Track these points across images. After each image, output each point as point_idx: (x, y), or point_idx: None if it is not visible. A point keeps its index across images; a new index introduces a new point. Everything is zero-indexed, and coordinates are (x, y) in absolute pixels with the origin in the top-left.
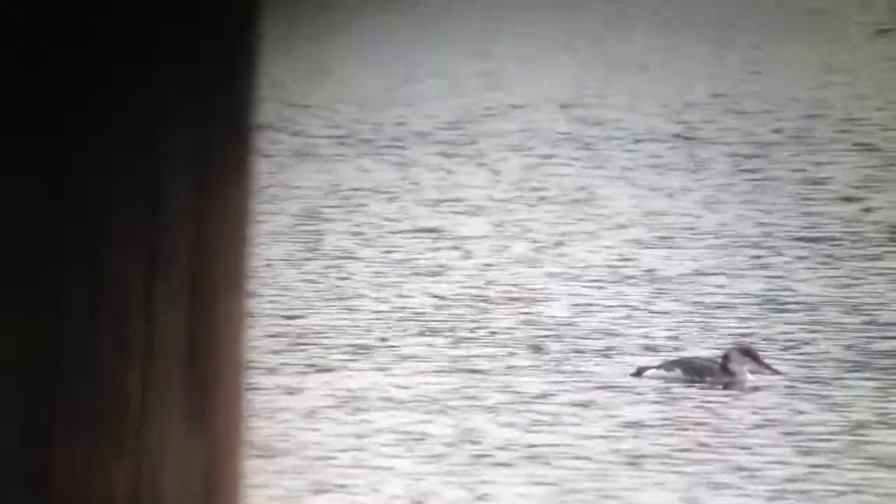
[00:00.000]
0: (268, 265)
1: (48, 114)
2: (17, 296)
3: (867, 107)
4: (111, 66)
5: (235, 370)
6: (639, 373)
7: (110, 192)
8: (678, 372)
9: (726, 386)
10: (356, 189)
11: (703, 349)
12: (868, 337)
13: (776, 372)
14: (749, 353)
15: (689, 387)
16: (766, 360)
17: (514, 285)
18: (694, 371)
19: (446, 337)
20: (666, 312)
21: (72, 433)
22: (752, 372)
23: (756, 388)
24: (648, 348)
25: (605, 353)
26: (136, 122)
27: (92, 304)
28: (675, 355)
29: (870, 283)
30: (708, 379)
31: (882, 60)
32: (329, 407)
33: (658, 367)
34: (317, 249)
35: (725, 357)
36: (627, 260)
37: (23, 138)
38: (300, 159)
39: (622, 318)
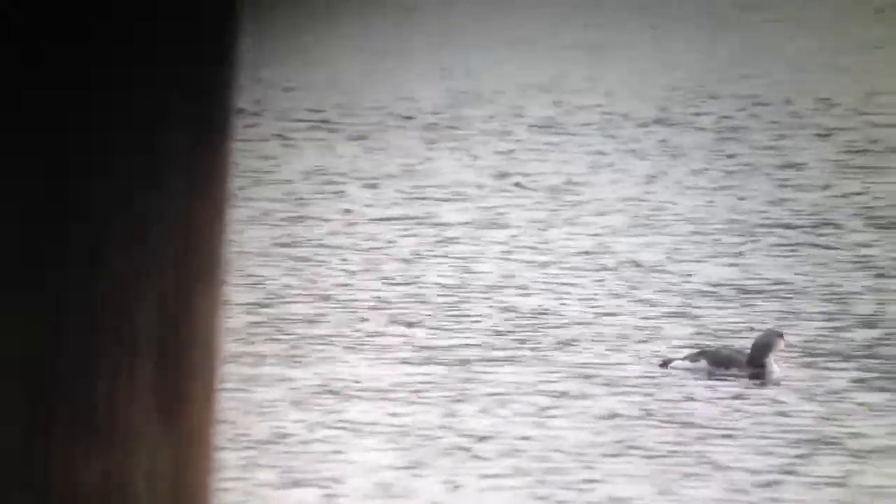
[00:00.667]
0: (245, 252)
1: (48, 114)
2: (17, 296)
3: (846, 93)
4: (111, 66)
5: (211, 360)
6: (665, 364)
7: (110, 192)
8: (703, 363)
9: (753, 377)
10: (336, 174)
11: (686, 340)
12: (842, 326)
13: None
14: (775, 340)
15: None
16: (791, 346)
17: (494, 273)
18: (720, 362)
19: (425, 327)
20: (645, 300)
21: (72, 433)
22: (778, 360)
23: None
24: (626, 337)
25: (583, 342)
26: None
27: (91, 303)
28: (652, 346)
29: (845, 272)
30: (734, 370)
31: (863, 45)
32: (305, 398)
33: (684, 359)
34: (296, 236)
35: (763, 346)
36: (607, 247)
37: (23, 138)
38: (279, 144)
39: (601, 306)
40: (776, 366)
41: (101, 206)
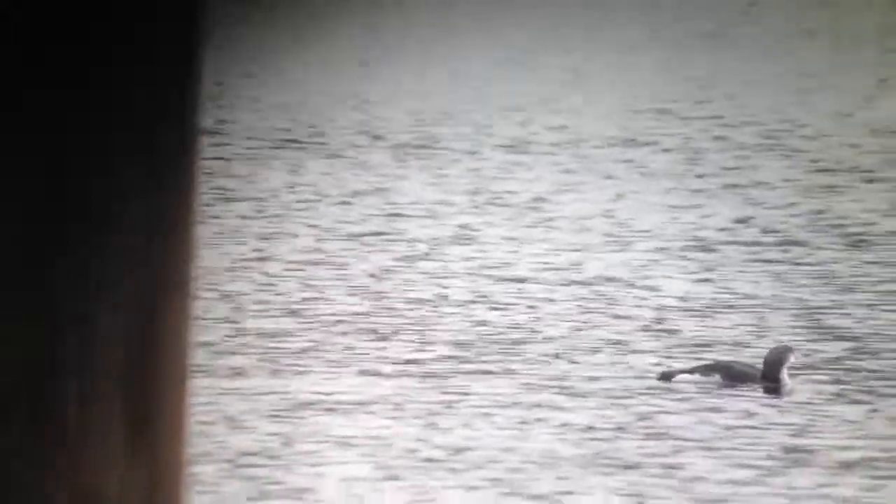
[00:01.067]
0: (214, 269)
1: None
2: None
3: (810, 114)
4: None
5: (180, 375)
6: (666, 377)
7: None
8: (717, 378)
9: (768, 391)
10: (305, 191)
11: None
12: (813, 340)
13: (817, 368)
14: (787, 355)
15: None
16: (804, 357)
17: (464, 289)
18: (734, 377)
19: (397, 341)
20: (617, 316)
21: (41, 450)
22: (793, 372)
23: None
24: (599, 351)
25: (558, 355)
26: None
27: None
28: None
29: (815, 287)
30: (749, 384)
31: (827, 68)
32: (278, 411)
33: (692, 372)
34: (265, 252)
35: (775, 361)
36: (576, 264)
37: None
38: (248, 161)
39: (572, 321)
40: (790, 380)
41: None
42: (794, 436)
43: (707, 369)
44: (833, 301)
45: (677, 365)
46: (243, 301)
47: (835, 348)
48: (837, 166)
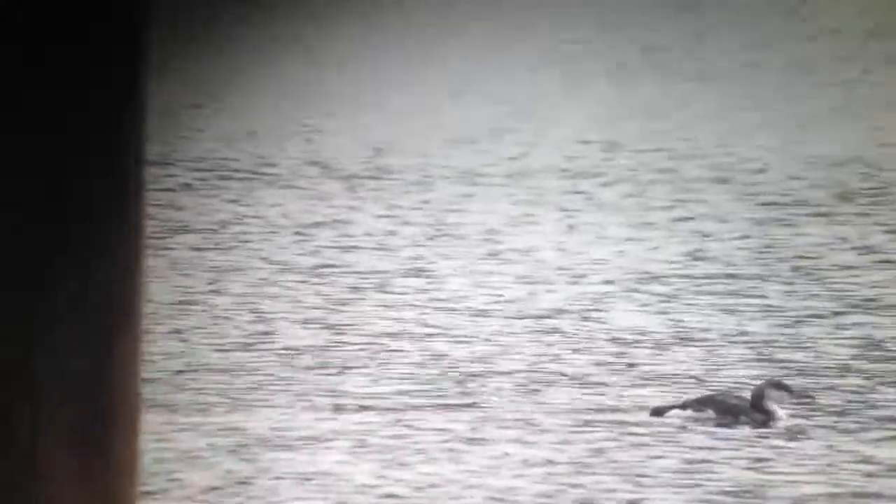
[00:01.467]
0: (164, 302)
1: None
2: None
3: (757, 147)
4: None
5: (130, 409)
6: (658, 412)
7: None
8: (710, 412)
9: (761, 424)
10: (256, 223)
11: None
12: (765, 374)
13: (811, 397)
14: (781, 386)
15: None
16: (798, 389)
17: (418, 322)
18: (727, 411)
19: (352, 374)
20: (571, 349)
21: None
22: (785, 405)
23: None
24: (552, 384)
25: (510, 388)
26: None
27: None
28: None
29: (764, 320)
30: (742, 419)
31: (773, 97)
32: (230, 446)
33: (684, 408)
34: (215, 285)
35: (758, 394)
36: (531, 296)
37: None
38: (193, 192)
39: (526, 354)
40: (781, 412)
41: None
42: (749, 469)
43: (699, 404)
44: (783, 334)
45: (658, 401)
46: (195, 335)
47: (787, 382)
48: (785, 199)
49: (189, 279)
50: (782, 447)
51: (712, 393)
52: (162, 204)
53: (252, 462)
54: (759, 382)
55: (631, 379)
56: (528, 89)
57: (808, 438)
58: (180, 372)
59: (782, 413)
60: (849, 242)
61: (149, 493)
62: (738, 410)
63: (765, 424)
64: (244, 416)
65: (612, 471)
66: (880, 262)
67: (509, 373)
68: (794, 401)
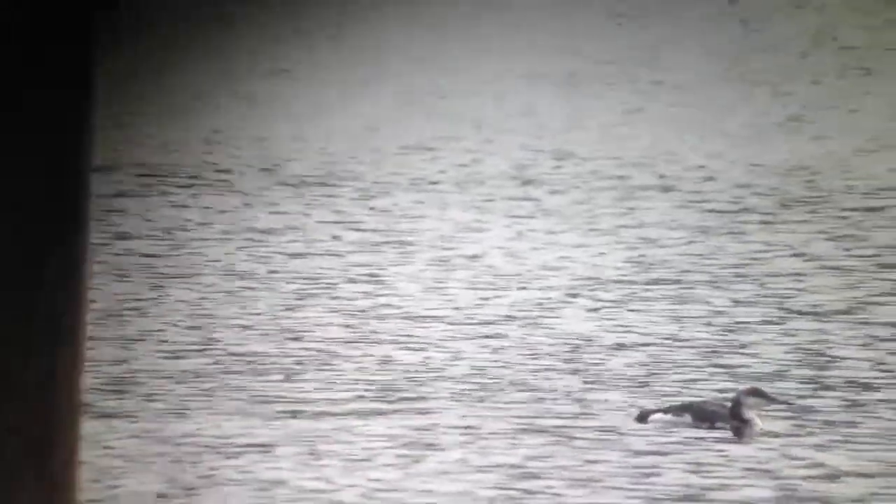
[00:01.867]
0: (105, 308)
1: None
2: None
3: (703, 155)
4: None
5: (72, 416)
6: (643, 417)
7: None
8: (688, 418)
9: (737, 431)
10: (203, 229)
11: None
12: (710, 379)
13: (790, 404)
14: (759, 394)
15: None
16: (776, 396)
17: (368, 329)
18: (705, 417)
19: (300, 381)
20: (521, 354)
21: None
22: (763, 411)
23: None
24: (501, 389)
25: (458, 396)
26: None
27: None
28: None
29: (704, 325)
30: (718, 424)
31: (709, 110)
32: (171, 453)
33: (665, 412)
34: (156, 290)
35: (736, 402)
36: (483, 302)
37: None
38: (139, 199)
39: (476, 359)
40: (758, 419)
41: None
42: (692, 473)
43: (679, 409)
44: (726, 340)
45: (648, 405)
46: (141, 342)
47: (733, 387)
48: (730, 207)
49: (133, 285)
50: (724, 451)
51: (695, 399)
52: (106, 210)
53: (198, 469)
54: (740, 389)
55: (577, 383)
56: (479, 98)
57: (751, 442)
58: (123, 378)
59: (759, 421)
60: (792, 249)
61: (92, 500)
62: (716, 417)
63: (741, 432)
64: (190, 423)
65: (558, 475)
66: (823, 268)
67: (458, 378)
68: (773, 408)
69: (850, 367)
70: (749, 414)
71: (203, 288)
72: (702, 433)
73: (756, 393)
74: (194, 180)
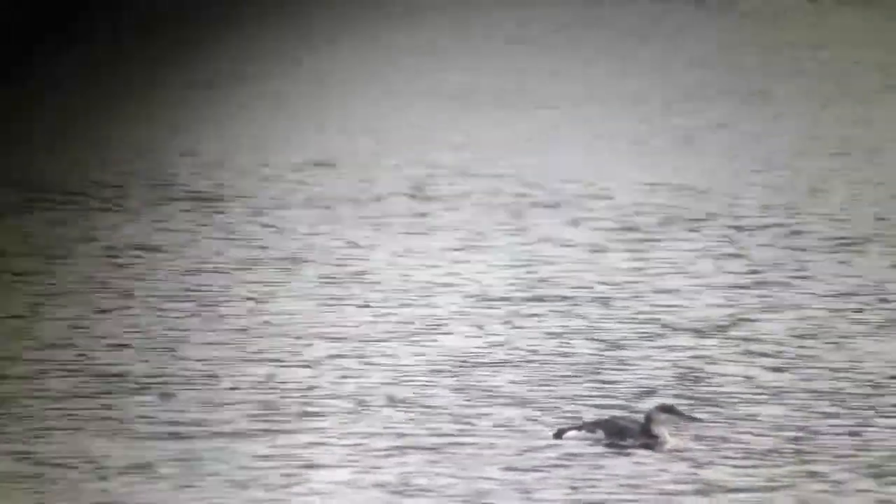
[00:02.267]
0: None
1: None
2: None
3: (597, 174)
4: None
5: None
6: (559, 434)
7: None
8: (600, 433)
9: (647, 447)
10: (83, 247)
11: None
12: (591, 396)
13: (700, 420)
14: (670, 410)
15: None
16: (687, 413)
17: (247, 346)
18: (616, 432)
19: (174, 400)
20: (403, 372)
21: None
22: (675, 428)
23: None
24: (385, 406)
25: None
26: None
27: None
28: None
29: (585, 341)
30: (629, 440)
31: (606, 131)
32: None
33: (580, 429)
34: (47, 314)
35: (647, 419)
36: (375, 319)
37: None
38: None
39: (361, 378)
40: (669, 436)
41: None
42: (574, 489)
43: (592, 425)
44: (606, 356)
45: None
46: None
47: (610, 403)
48: (616, 225)
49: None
50: (603, 466)
51: (610, 416)
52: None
53: (66, 494)
54: (655, 406)
55: (460, 400)
56: (377, 110)
57: (629, 457)
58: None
59: (669, 437)
60: (676, 266)
61: None
62: (627, 433)
63: (650, 448)
64: (53, 445)
65: (442, 493)
66: (705, 286)
67: (344, 396)
68: (683, 425)
69: (727, 382)
70: (659, 430)
71: (83, 305)
72: (600, 448)
73: (667, 409)
74: (81, 196)
